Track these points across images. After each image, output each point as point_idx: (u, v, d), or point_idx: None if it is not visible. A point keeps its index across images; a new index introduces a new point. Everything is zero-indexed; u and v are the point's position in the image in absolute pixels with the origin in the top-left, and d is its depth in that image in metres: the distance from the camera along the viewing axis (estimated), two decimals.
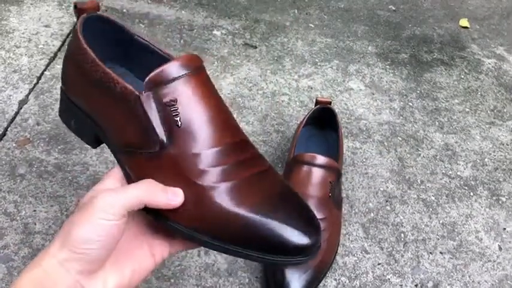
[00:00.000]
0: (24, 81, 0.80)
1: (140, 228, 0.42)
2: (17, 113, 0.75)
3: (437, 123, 0.85)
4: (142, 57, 0.49)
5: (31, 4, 0.95)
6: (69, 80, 0.48)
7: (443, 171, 0.77)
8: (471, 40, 1.04)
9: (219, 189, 0.39)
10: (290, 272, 0.57)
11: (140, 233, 0.42)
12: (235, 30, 0.97)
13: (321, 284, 0.61)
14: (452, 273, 0.64)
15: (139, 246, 0.41)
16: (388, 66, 0.95)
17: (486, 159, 0.80)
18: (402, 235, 0.68)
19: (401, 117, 0.85)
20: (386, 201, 0.71)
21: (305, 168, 0.62)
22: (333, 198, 0.62)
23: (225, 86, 0.85)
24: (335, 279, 0.62)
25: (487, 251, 0.67)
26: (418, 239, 0.67)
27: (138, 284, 0.41)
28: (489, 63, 0.99)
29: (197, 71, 0.42)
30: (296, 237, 0.39)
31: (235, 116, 0.44)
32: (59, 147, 0.71)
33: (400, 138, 0.81)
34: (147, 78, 0.40)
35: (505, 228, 0.70)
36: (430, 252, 0.66)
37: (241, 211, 0.39)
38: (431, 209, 0.71)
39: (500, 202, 0.74)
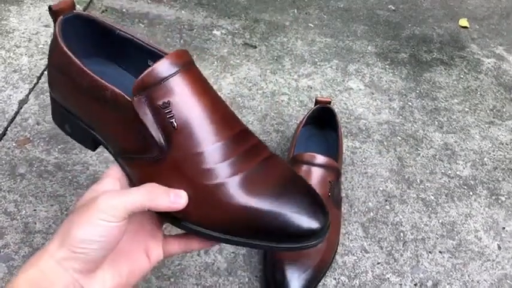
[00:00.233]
0: (24, 81, 0.80)
1: (138, 229, 0.42)
2: (17, 113, 0.75)
3: (436, 122, 0.85)
4: (130, 52, 0.47)
5: (31, 4, 0.95)
6: (57, 87, 0.46)
7: (443, 171, 0.77)
8: (471, 40, 1.05)
9: (227, 185, 0.39)
10: (290, 271, 0.57)
11: (137, 234, 0.42)
12: (235, 30, 0.97)
13: (320, 283, 0.61)
14: (451, 273, 0.64)
15: (136, 247, 0.41)
16: (387, 66, 0.95)
17: (485, 159, 0.80)
18: (401, 234, 0.68)
19: (400, 117, 0.85)
20: (386, 201, 0.71)
21: (304, 167, 0.62)
22: (333, 197, 0.63)
23: (225, 85, 0.85)
24: (334, 279, 0.62)
25: (486, 250, 0.67)
26: (417, 239, 0.67)
27: (135, 284, 0.41)
28: (488, 63, 0.99)
29: (187, 67, 0.41)
30: (308, 222, 0.39)
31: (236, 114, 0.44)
32: (59, 146, 0.71)
33: (399, 138, 0.81)
34: (136, 82, 0.39)
35: (504, 228, 0.70)
36: (430, 252, 0.66)
37: (252, 202, 0.38)
38: (430, 209, 0.71)
39: (499, 201, 0.74)
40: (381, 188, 0.73)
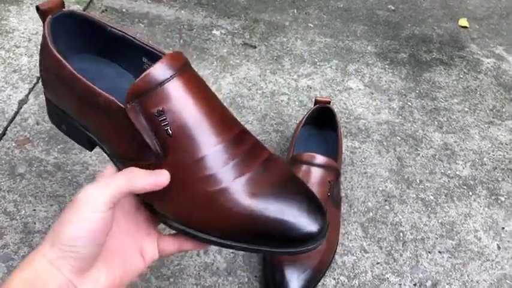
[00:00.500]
0: (24, 80, 0.80)
1: (132, 228, 0.42)
2: (16, 113, 0.75)
3: (436, 122, 0.85)
4: (124, 50, 0.46)
5: (31, 4, 0.95)
6: (50, 89, 0.45)
7: (442, 171, 0.77)
8: (470, 40, 1.05)
9: (229, 190, 0.38)
10: (289, 271, 0.57)
11: (132, 234, 0.42)
12: (235, 30, 0.97)
13: (320, 283, 0.61)
14: (451, 273, 0.64)
15: (130, 246, 0.41)
16: (387, 66, 0.95)
17: (485, 159, 0.80)
18: (401, 234, 0.68)
19: (400, 117, 0.85)
20: (385, 201, 0.71)
21: (304, 167, 0.62)
22: (332, 197, 0.63)
23: (224, 85, 0.85)
24: (334, 279, 0.62)
25: (486, 250, 0.67)
26: (417, 239, 0.67)
27: (131, 283, 0.41)
28: (488, 63, 0.99)
29: (182, 71, 0.39)
30: (309, 226, 0.38)
31: (234, 115, 0.44)
32: (59, 146, 0.71)
33: (399, 138, 0.81)
34: (129, 89, 0.37)
35: (503, 228, 0.70)
36: (429, 252, 0.66)
37: (255, 206, 0.38)
38: (430, 209, 0.71)
39: (499, 201, 0.74)
40: (380, 188, 0.73)
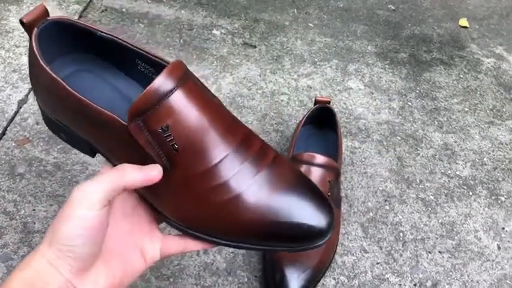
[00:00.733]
0: (24, 80, 0.80)
1: (133, 229, 0.42)
2: (16, 113, 0.75)
3: (436, 122, 0.85)
4: (116, 52, 0.44)
5: (31, 4, 0.95)
6: (45, 104, 0.44)
7: (442, 171, 0.77)
8: (470, 40, 1.05)
9: (239, 198, 0.38)
10: (289, 271, 0.57)
11: (133, 234, 0.41)
12: (235, 29, 0.97)
13: (320, 283, 0.61)
14: (451, 273, 0.64)
15: (131, 247, 0.41)
16: (387, 66, 0.95)
17: (485, 159, 0.80)
18: (401, 234, 0.68)
19: (400, 117, 0.85)
20: (385, 201, 0.71)
21: (304, 167, 0.62)
22: (332, 197, 0.62)
23: (225, 85, 0.85)
24: (334, 279, 0.62)
25: (486, 250, 0.67)
26: (417, 239, 0.67)
27: (132, 283, 0.41)
28: (488, 63, 0.99)
29: (182, 81, 0.38)
30: (319, 222, 0.39)
31: (234, 115, 0.43)
32: (58, 146, 0.71)
33: (399, 138, 0.81)
34: (130, 109, 0.36)
35: (504, 228, 0.70)
36: (429, 252, 0.66)
37: (265, 209, 0.38)
38: (430, 209, 0.71)
39: (499, 201, 0.74)
40: (380, 188, 0.73)
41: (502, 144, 0.83)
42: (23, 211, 0.63)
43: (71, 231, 0.35)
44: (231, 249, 0.63)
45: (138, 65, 0.44)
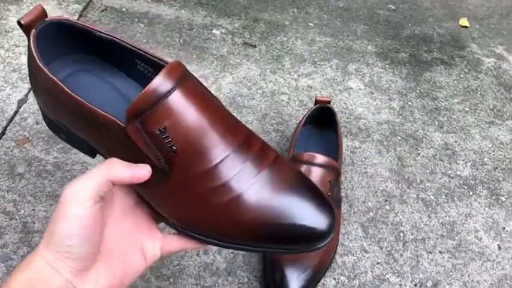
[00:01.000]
0: (24, 80, 0.80)
1: (133, 228, 0.42)
2: (16, 112, 0.75)
3: (436, 122, 0.85)
4: (115, 52, 0.44)
5: (30, 3, 0.95)
6: (45, 106, 0.44)
7: (443, 171, 0.77)
8: (471, 39, 1.04)
9: (240, 199, 0.37)
10: (289, 271, 0.57)
11: (132, 233, 0.41)
12: (235, 29, 0.97)
13: (320, 283, 0.61)
14: (451, 273, 0.64)
15: (131, 246, 0.41)
16: (387, 66, 0.94)
17: (485, 159, 0.80)
18: (401, 234, 0.68)
19: (400, 117, 0.85)
20: (386, 201, 0.71)
21: (304, 167, 0.62)
22: (332, 197, 0.62)
23: (225, 85, 0.85)
24: (334, 279, 0.62)
25: (487, 250, 0.67)
26: (417, 239, 0.67)
27: (132, 283, 0.40)
28: (489, 63, 0.99)
29: (181, 82, 0.37)
30: (319, 224, 0.38)
31: (234, 115, 0.43)
32: (58, 146, 0.71)
33: (399, 138, 0.81)
34: (127, 110, 0.36)
35: (504, 228, 0.70)
36: (430, 252, 0.66)
37: (266, 210, 0.38)
38: (430, 209, 0.71)
39: (499, 201, 0.74)
40: (380, 188, 0.73)
41: (503, 144, 0.83)
42: (23, 211, 0.63)
43: (66, 231, 0.35)
44: (231, 250, 0.63)
45: (137, 65, 0.44)
